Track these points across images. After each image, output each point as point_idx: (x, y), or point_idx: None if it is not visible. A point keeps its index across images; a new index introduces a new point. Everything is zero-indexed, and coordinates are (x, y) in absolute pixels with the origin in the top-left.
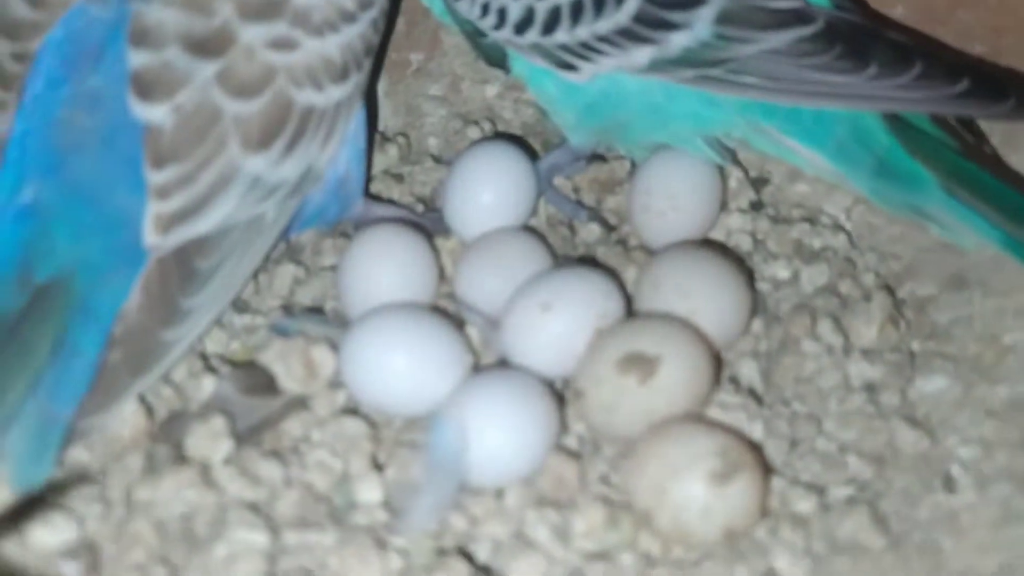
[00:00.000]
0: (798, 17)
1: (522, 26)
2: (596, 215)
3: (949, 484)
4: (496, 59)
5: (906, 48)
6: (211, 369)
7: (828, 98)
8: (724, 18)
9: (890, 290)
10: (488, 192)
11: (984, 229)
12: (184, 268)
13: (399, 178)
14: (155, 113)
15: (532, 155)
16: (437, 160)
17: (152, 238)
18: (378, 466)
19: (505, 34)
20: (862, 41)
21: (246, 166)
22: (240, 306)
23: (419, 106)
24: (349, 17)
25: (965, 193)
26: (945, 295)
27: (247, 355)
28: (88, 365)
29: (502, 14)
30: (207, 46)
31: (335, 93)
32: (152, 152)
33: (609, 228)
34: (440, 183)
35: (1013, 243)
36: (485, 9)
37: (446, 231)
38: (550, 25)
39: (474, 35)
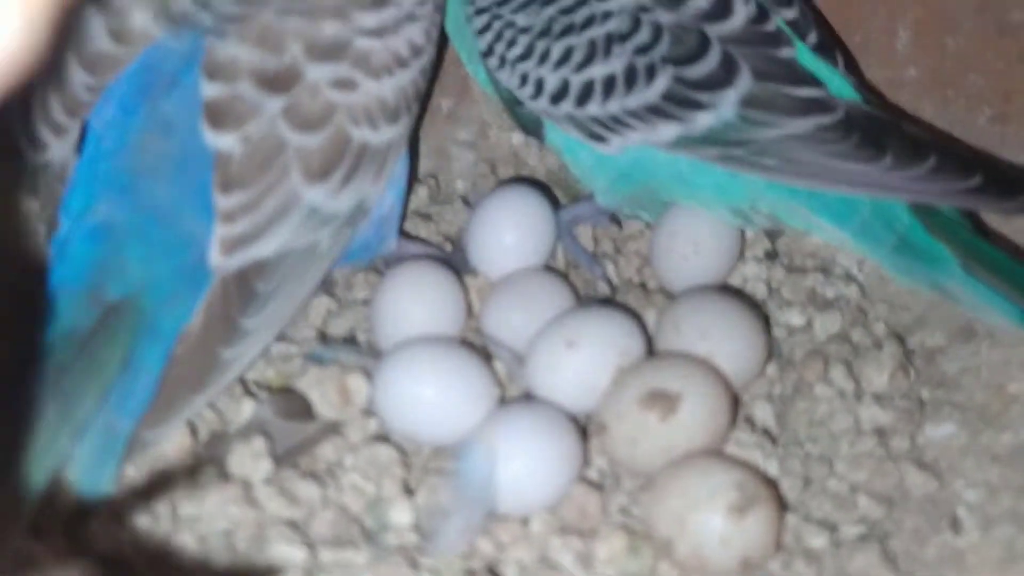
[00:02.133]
0: (820, 106)
1: (557, 97)
2: (606, 275)
3: (955, 525)
4: (532, 128)
5: (922, 141)
6: (250, 393)
7: (845, 185)
8: (749, 101)
9: (900, 339)
10: (510, 233)
11: (1001, 306)
12: (245, 289)
13: (428, 218)
14: (225, 141)
15: (554, 201)
16: (465, 202)
17: (217, 259)
18: (409, 490)
19: (541, 104)
20: (880, 132)
21: (306, 195)
22: (278, 335)
23: (448, 150)
24: (403, 63)
25: (983, 272)
26: (954, 346)
27: (282, 381)
28: (151, 381)
29: (539, 85)
30: (276, 82)
31: (387, 133)
32: (221, 178)
33: (613, 289)
34: (465, 223)
35: None
36: (524, 79)
37: (472, 270)
38: (583, 98)
39: (512, 103)
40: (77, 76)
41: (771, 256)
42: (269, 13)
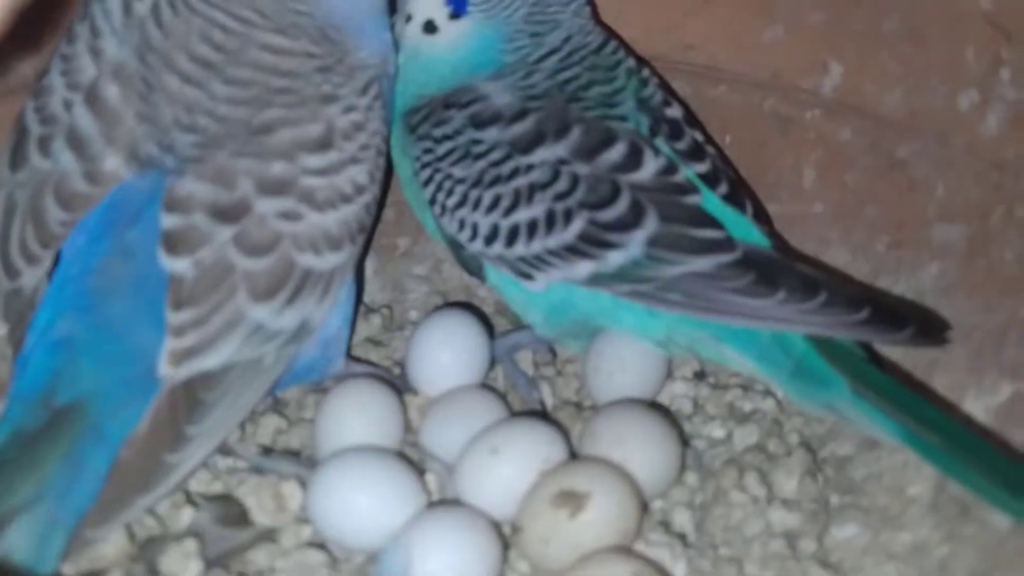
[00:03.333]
0: (720, 246)
1: (489, 239)
2: (541, 398)
3: None
4: (474, 268)
5: (814, 279)
6: (191, 502)
7: (742, 318)
8: (655, 241)
9: (811, 449)
10: (446, 353)
11: (887, 426)
12: (191, 399)
13: (380, 344)
14: (179, 265)
15: (494, 328)
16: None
17: (166, 370)
18: None
19: (477, 246)
20: (775, 270)
21: (251, 313)
22: (224, 449)
23: (404, 283)
24: (347, 199)
25: (871, 394)
26: (861, 454)
27: (224, 491)
28: (95, 480)
29: (475, 229)
30: (227, 213)
31: (331, 260)
32: (174, 297)
33: (548, 409)
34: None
35: (912, 438)
36: (461, 224)
37: (413, 388)
38: (511, 239)
39: (454, 247)
40: (53, 212)
41: (699, 376)
42: (224, 155)
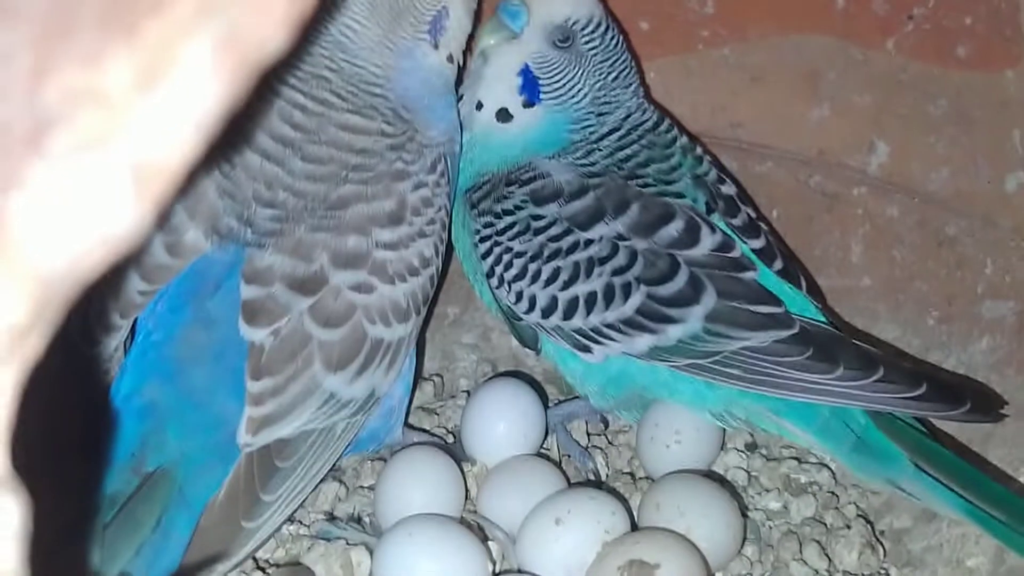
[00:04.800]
0: (777, 321)
1: (547, 312)
2: (595, 468)
3: None
4: (530, 341)
5: (871, 355)
6: (260, 569)
7: (801, 393)
8: (713, 317)
9: (869, 521)
10: (501, 422)
11: (948, 499)
12: (267, 465)
13: (432, 412)
14: (258, 335)
15: (547, 398)
16: (467, 397)
17: (245, 437)
18: None
19: (534, 318)
20: (833, 346)
21: (325, 382)
22: (288, 518)
23: (453, 352)
24: (414, 271)
25: (931, 468)
26: (919, 526)
27: (290, 559)
28: (180, 545)
29: (532, 301)
30: (305, 286)
31: (399, 330)
32: (253, 366)
33: (602, 479)
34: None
35: (973, 511)
36: (519, 296)
37: (470, 458)
38: (569, 312)
39: (511, 318)
40: (133, 283)
41: (751, 447)
42: (302, 229)
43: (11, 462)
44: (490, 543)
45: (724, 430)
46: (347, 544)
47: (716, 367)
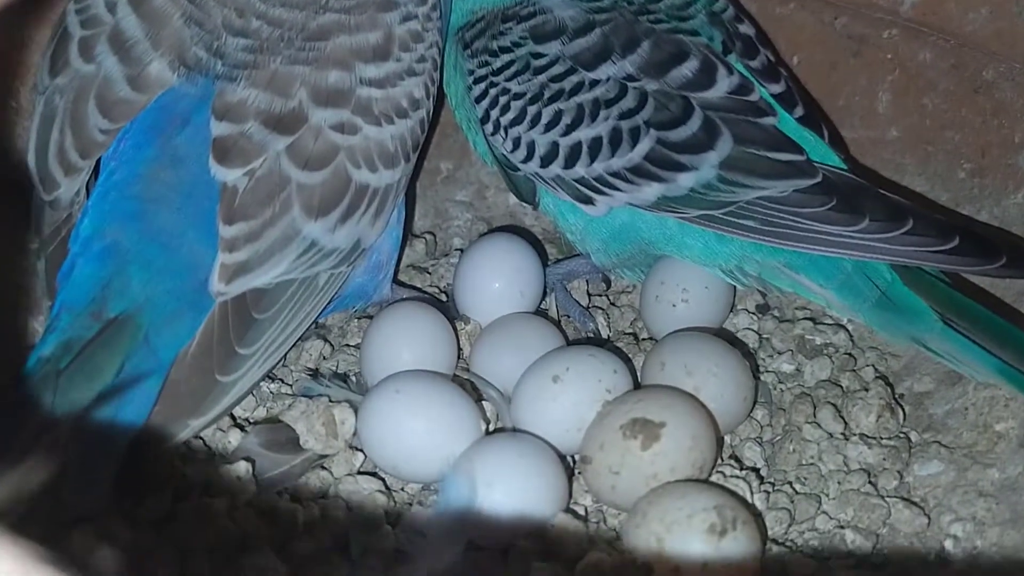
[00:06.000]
0: (798, 169)
1: (547, 160)
2: (596, 328)
3: (943, 558)
4: (527, 194)
5: (900, 205)
6: (238, 426)
7: (823, 246)
8: (729, 164)
9: (889, 384)
10: (497, 279)
11: (980, 358)
12: (243, 317)
13: (424, 271)
14: (231, 175)
15: (544, 258)
16: (460, 256)
17: (218, 286)
18: (390, 522)
19: (532, 167)
20: (858, 196)
21: (305, 229)
22: (269, 375)
23: (447, 209)
24: (403, 113)
25: (962, 325)
26: (941, 390)
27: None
28: (146, 397)
29: (531, 148)
30: (282, 123)
31: (386, 177)
32: (225, 209)
33: (603, 340)
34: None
35: (1008, 371)
36: (516, 143)
37: (463, 316)
38: (571, 160)
39: (507, 168)
40: (93, 120)
41: (762, 309)
42: (278, 61)
43: None
44: (483, 402)
45: (735, 289)
46: (330, 401)
47: (730, 218)
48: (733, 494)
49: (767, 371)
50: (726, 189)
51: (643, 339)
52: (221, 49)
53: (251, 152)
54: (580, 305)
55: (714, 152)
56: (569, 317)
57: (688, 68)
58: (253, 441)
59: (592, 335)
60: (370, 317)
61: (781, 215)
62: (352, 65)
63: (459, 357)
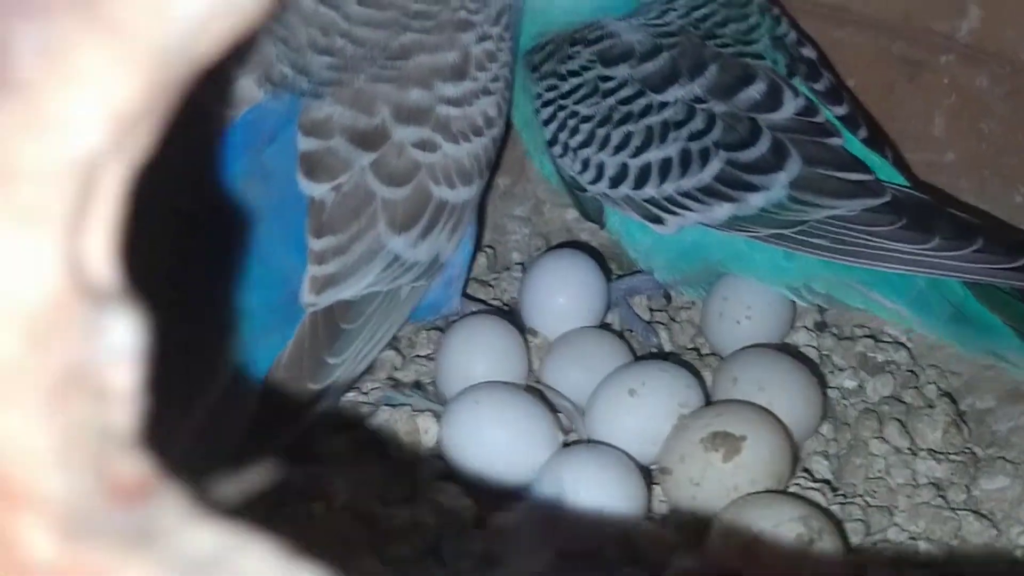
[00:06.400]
0: (867, 189)
1: (616, 181)
2: (659, 343)
3: (1015, 569)
4: (593, 213)
5: (969, 224)
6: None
7: (894, 264)
8: (798, 184)
9: (952, 400)
10: (562, 295)
11: None
12: (331, 327)
13: (486, 284)
14: (319, 190)
15: (605, 271)
16: (521, 270)
17: (309, 297)
18: (478, 526)
19: (601, 188)
20: (927, 215)
21: (390, 244)
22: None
23: (504, 224)
24: (478, 131)
25: None
26: (1003, 407)
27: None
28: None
29: (600, 169)
30: (366, 139)
31: (462, 193)
32: (314, 223)
33: (666, 355)
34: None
35: None
36: (585, 165)
37: (530, 330)
38: (640, 181)
39: (575, 190)
40: None
41: (820, 326)
42: (361, 79)
43: (123, 273)
44: (558, 414)
45: (795, 306)
46: (412, 411)
47: (801, 237)
48: (816, 505)
49: (830, 387)
50: (796, 208)
51: (705, 354)
52: (306, 67)
53: (337, 167)
54: (643, 320)
55: (784, 172)
56: (632, 331)
57: (755, 90)
58: (339, 446)
59: (656, 350)
60: (439, 329)
61: (852, 234)
62: (432, 84)
63: (529, 370)
